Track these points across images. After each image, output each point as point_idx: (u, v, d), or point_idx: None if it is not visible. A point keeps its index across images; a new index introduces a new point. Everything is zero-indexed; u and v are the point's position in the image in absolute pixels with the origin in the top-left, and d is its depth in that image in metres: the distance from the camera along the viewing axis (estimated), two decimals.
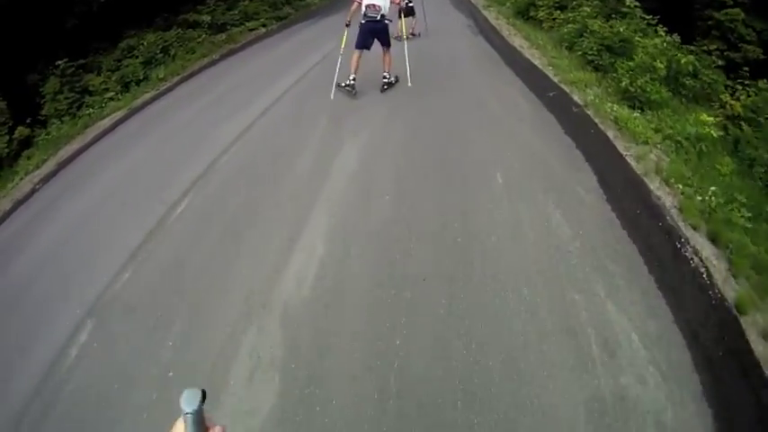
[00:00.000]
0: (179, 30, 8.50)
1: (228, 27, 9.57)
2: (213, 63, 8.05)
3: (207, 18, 9.14)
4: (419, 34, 8.24)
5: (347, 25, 5.24)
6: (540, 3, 7.94)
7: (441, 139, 4.22)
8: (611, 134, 3.50)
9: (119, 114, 6.21)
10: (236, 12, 9.97)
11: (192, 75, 7.54)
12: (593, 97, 4.16)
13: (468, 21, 9.45)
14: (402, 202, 3.26)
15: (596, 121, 3.74)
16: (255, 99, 5.81)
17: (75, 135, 5.87)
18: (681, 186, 2.85)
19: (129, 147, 5.19)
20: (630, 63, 4.39)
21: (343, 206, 3.32)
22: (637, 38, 4.95)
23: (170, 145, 5.01)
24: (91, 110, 6.58)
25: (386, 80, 5.39)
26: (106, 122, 6.04)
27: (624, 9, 5.73)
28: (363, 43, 5.07)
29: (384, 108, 5.07)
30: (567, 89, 4.53)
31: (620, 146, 3.37)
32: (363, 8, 4.95)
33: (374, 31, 4.99)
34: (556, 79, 4.92)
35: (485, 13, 10.12)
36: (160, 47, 8.12)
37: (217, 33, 9.19)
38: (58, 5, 7.14)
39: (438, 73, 6.21)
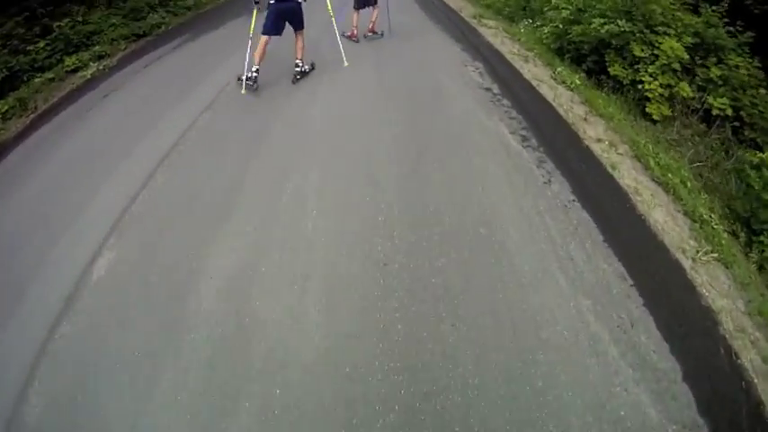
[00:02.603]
0: None
1: (24, 78, 5.00)
2: None
3: None
4: (381, 33, 5.94)
5: (256, 2, 4.38)
6: (639, 51, 3.83)
7: None
8: None
9: None
10: (46, 43, 5.34)
11: None
12: None
13: (475, 63, 5.18)
14: None
15: None
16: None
17: None
18: None
19: None
20: None
21: None
22: None
23: None
24: None
25: (298, 69, 4.57)
26: None
27: None
28: (273, 28, 4.29)
29: None
30: None
31: None
32: None
33: (285, 13, 4.25)
34: None
35: (490, 40, 5.95)
36: None
37: None
38: None
39: None
